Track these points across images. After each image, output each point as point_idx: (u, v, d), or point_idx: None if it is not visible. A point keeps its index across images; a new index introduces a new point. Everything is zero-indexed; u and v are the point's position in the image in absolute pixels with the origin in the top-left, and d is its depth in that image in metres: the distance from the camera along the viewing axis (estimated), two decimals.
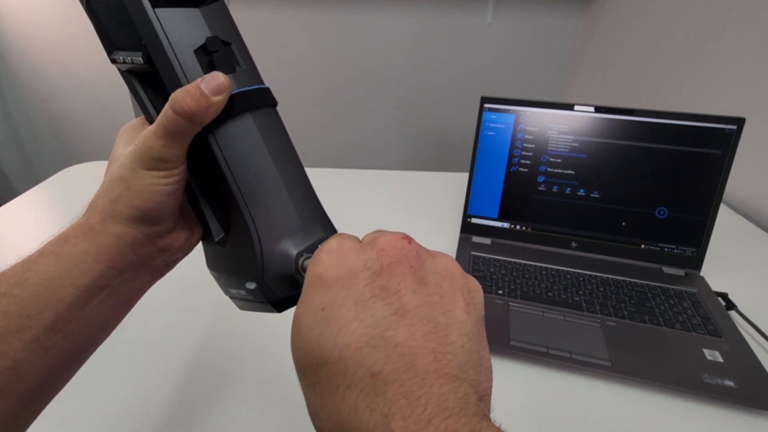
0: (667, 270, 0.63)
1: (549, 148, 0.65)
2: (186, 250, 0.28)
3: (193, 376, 0.45)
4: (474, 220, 0.70)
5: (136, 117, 0.30)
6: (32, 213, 0.77)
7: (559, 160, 0.65)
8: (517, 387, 0.45)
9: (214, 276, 0.31)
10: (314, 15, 1.76)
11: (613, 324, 0.52)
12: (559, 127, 0.64)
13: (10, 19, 1.65)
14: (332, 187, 0.89)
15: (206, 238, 0.30)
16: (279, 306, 0.27)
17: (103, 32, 0.27)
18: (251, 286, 0.27)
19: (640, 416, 0.43)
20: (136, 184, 0.24)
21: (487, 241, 0.69)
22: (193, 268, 0.35)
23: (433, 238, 0.71)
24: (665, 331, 0.52)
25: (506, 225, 0.69)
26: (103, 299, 0.24)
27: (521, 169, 0.66)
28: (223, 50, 0.25)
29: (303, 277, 0.25)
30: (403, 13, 1.74)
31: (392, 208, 0.81)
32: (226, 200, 0.26)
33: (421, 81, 1.87)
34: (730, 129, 0.59)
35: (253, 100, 0.26)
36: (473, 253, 0.65)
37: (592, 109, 0.62)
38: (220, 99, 0.23)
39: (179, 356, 0.48)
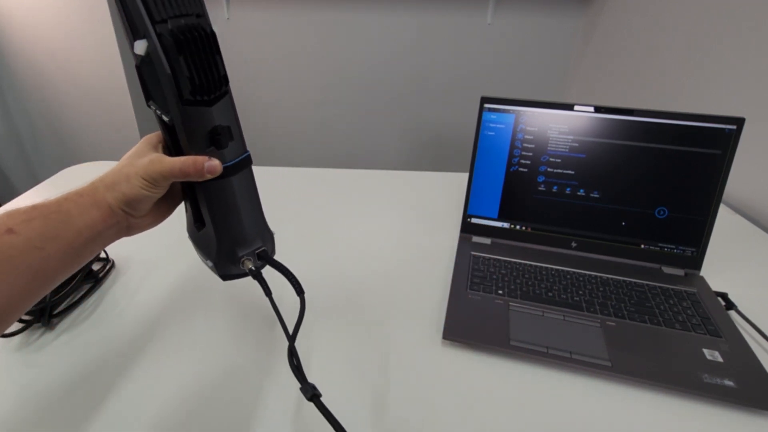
0: (667, 270, 0.63)
1: (549, 148, 0.65)
2: (150, 227, 0.41)
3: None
4: (474, 220, 0.70)
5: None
6: None
7: (559, 160, 0.65)
8: (517, 387, 0.45)
9: (190, 239, 0.43)
10: (314, 15, 1.76)
11: (613, 324, 0.52)
12: (559, 127, 0.64)
13: (10, 19, 1.65)
14: (332, 187, 0.89)
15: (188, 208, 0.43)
16: (225, 279, 0.42)
17: (145, 87, 0.37)
18: (210, 264, 0.42)
19: (640, 416, 0.43)
20: (134, 184, 0.35)
21: (487, 241, 0.69)
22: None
23: (433, 238, 0.71)
24: (665, 331, 0.52)
25: (506, 225, 0.69)
26: (96, 240, 0.35)
27: (521, 169, 0.66)
28: (224, 131, 0.36)
29: (242, 270, 0.41)
30: (403, 13, 1.74)
31: (392, 208, 0.81)
32: (202, 214, 0.40)
33: (421, 81, 1.87)
34: (730, 129, 0.59)
35: (235, 168, 0.38)
36: (473, 253, 0.65)
37: (592, 109, 0.62)
38: (212, 175, 0.36)
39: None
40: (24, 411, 0.42)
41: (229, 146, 0.37)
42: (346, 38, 1.80)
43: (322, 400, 0.34)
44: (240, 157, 0.38)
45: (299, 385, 0.35)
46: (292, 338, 0.37)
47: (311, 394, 0.34)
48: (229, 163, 0.37)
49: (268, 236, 0.43)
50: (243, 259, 0.40)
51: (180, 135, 0.36)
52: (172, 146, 0.38)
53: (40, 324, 0.51)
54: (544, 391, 0.45)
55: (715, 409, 0.43)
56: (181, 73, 0.33)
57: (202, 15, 0.34)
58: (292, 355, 0.36)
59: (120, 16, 0.34)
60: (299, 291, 0.41)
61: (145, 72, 0.35)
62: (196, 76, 0.33)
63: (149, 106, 0.37)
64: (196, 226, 0.41)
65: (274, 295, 0.40)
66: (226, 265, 0.41)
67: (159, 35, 0.32)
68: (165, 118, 0.36)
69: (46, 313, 0.50)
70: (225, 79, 0.36)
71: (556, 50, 1.78)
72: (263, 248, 0.42)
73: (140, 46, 0.33)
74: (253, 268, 0.40)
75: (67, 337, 0.50)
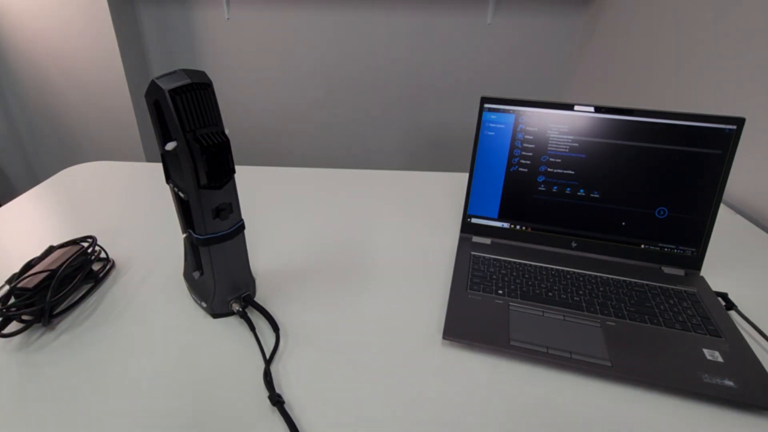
0: (667, 270, 0.63)
1: (549, 148, 0.65)
2: None
3: None
4: (474, 220, 0.70)
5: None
6: (32, 213, 0.77)
7: (559, 160, 0.65)
8: (517, 387, 0.45)
9: (185, 281, 0.54)
10: (314, 15, 1.76)
11: (613, 324, 0.52)
12: (559, 127, 0.64)
13: (10, 19, 1.65)
14: (333, 187, 0.89)
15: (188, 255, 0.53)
16: (215, 317, 0.53)
17: (167, 170, 0.46)
18: (204, 305, 0.52)
19: (640, 416, 0.43)
20: None
21: (487, 241, 0.69)
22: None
23: (433, 238, 0.71)
24: (665, 331, 0.52)
25: (506, 225, 0.69)
26: None
27: (521, 169, 0.66)
28: (227, 207, 0.46)
29: (230, 310, 0.52)
30: (404, 13, 1.74)
31: (392, 208, 0.81)
32: (202, 264, 0.50)
33: (421, 81, 1.87)
34: (729, 129, 0.59)
35: (231, 235, 0.48)
36: (473, 253, 0.65)
37: (592, 109, 0.62)
38: None
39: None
40: (24, 411, 0.42)
41: (230, 218, 0.47)
42: (346, 38, 1.80)
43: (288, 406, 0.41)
44: (236, 225, 0.49)
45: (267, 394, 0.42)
46: (268, 362, 0.46)
47: (275, 400, 0.42)
48: (228, 231, 0.47)
49: (251, 282, 0.54)
50: (231, 303, 0.51)
51: (193, 209, 0.45)
52: (182, 213, 0.48)
53: (40, 324, 0.51)
54: (544, 391, 0.45)
55: (715, 409, 0.43)
56: (201, 168, 0.42)
57: (218, 124, 0.43)
58: (266, 375, 0.44)
59: (153, 122, 0.42)
60: (275, 328, 0.50)
61: (168, 160, 0.45)
62: (213, 170, 0.43)
63: (168, 184, 0.47)
64: (194, 273, 0.52)
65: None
66: (218, 307, 0.52)
67: (188, 141, 0.41)
68: (182, 195, 0.46)
69: (46, 313, 0.50)
70: (233, 170, 0.45)
71: (556, 50, 1.78)
72: (248, 293, 0.53)
73: (171, 146, 0.41)
74: (240, 309, 0.51)
75: (67, 337, 0.50)
